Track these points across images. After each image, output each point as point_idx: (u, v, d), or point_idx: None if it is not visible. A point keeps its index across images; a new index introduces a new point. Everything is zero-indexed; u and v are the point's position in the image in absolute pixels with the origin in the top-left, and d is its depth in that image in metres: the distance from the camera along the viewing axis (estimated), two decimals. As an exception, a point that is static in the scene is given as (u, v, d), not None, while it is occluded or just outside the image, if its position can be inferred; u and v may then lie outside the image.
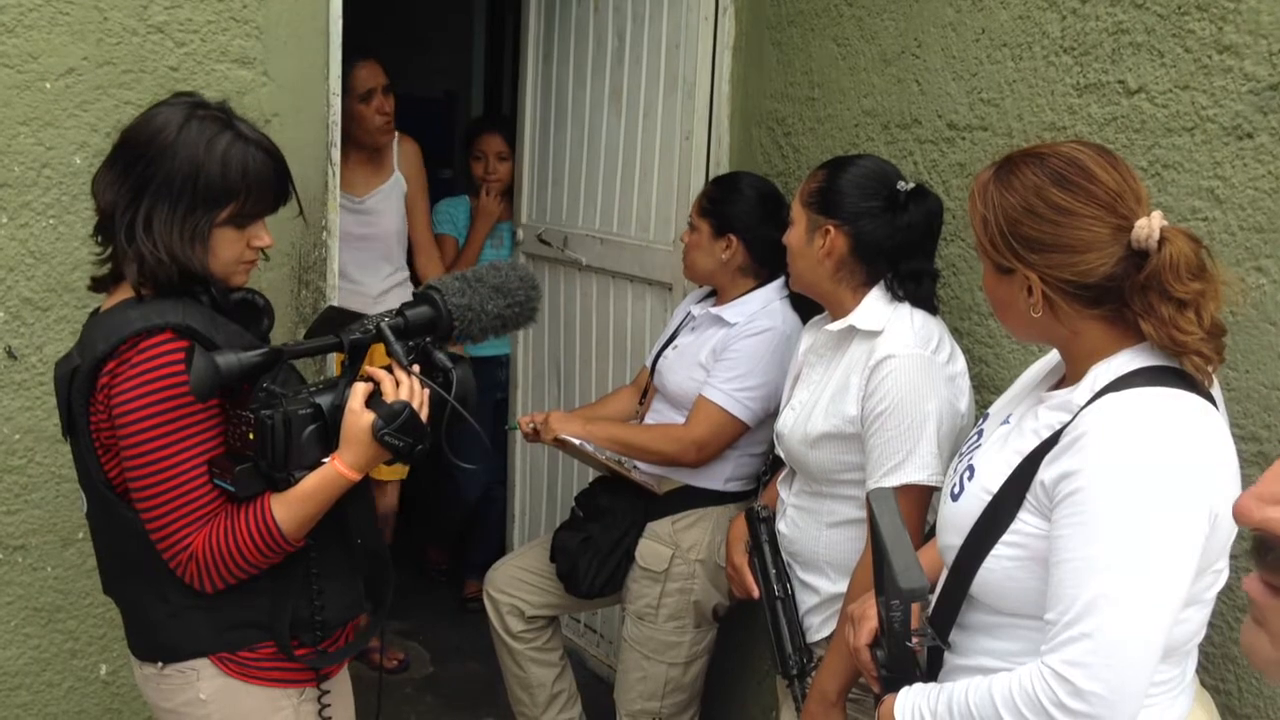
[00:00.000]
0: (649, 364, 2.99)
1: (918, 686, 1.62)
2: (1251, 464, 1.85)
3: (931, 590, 1.74)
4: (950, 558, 1.67)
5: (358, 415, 1.76)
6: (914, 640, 1.65)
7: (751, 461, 2.82)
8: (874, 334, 2.20)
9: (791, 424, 2.33)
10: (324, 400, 1.80)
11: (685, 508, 2.81)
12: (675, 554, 2.77)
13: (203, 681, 1.85)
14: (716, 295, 2.87)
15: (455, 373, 1.84)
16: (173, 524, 1.76)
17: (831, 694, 2.09)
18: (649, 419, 2.93)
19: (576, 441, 2.77)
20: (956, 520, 1.66)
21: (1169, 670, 1.57)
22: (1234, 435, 1.83)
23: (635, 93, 3.36)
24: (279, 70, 2.60)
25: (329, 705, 1.92)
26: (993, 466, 1.63)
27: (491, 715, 3.49)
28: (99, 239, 1.87)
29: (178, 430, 1.74)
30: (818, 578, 2.32)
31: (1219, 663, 1.90)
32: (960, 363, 2.21)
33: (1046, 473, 1.52)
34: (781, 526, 2.40)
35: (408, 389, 1.79)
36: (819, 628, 2.32)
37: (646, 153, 3.33)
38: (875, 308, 2.23)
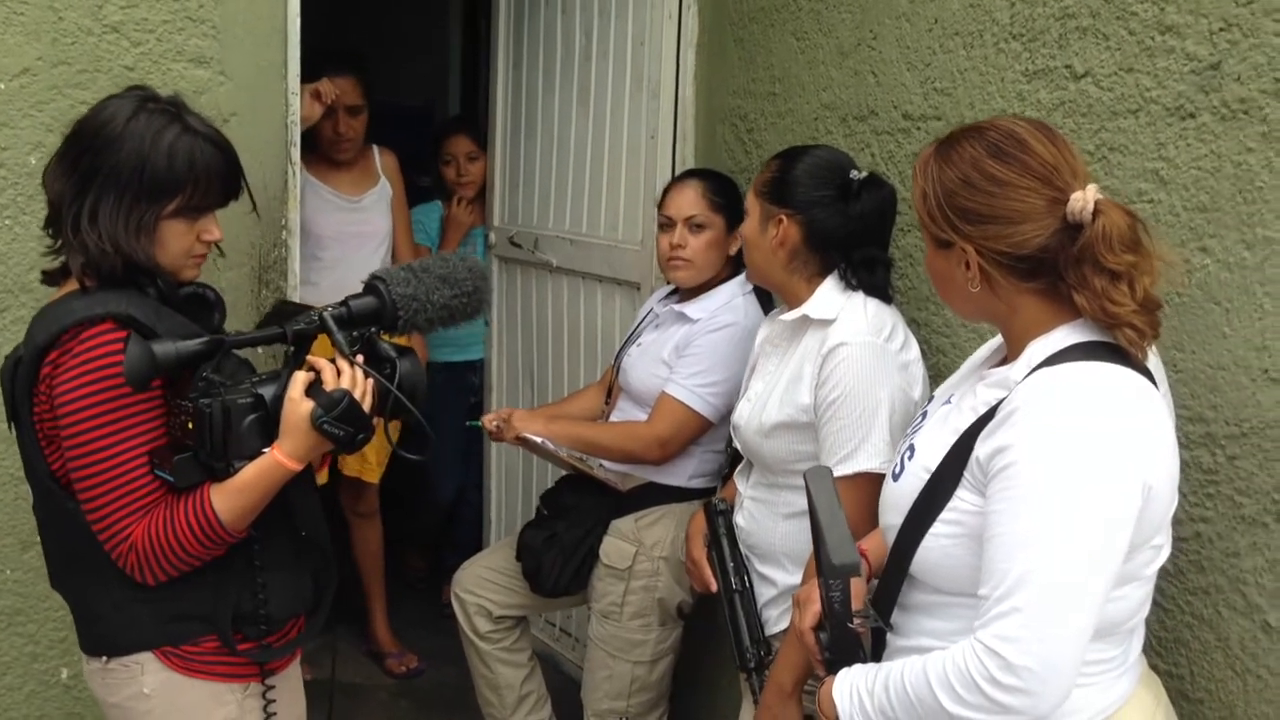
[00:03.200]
0: (615, 362, 2.98)
1: (857, 667, 1.61)
2: (1199, 445, 1.84)
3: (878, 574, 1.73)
4: (891, 537, 1.66)
5: (297, 404, 1.76)
6: (856, 621, 1.65)
7: (715, 458, 2.80)
8: (827, 323, 2.20)
9: (747, 415, 2.32)
10: (266, 390, 1.79)
11: (649, 505, 2.79)
12: (639, 551, 2.76)
13: (146, 675, 1.84)
14: (680, 292, 2.86)
15: (400, 364, 1.83)
16: (112, 514, 1.75)
17: (787, 685, 2.07)
18: (614, 417, 2.92)
19: (538, 440, 2.76)
20: (897, 500, 1.65)
21: (1109, 649, 1.55)
22: (1181, 416, 1.83)
23: (603, 92, 3.36)
24: (236, 69, 2.60)
25: (274, 700, 1.90)
26: (932, 445, 1.63)
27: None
28: (50, 232, 1.87)
29: (118, 420, 1.74)
30: (775, 570, 2.31)
31: (1171, 647, 1.89)
32: (914, 350, 2.20)
33: (982, 448, 1.51)
34: (739, 519, 2.39)
35: (349, 378, 1.78)
36: (777, 620, 2.31)
37: (614, 153, 3.33)
38: (828, 297, 2.23)
